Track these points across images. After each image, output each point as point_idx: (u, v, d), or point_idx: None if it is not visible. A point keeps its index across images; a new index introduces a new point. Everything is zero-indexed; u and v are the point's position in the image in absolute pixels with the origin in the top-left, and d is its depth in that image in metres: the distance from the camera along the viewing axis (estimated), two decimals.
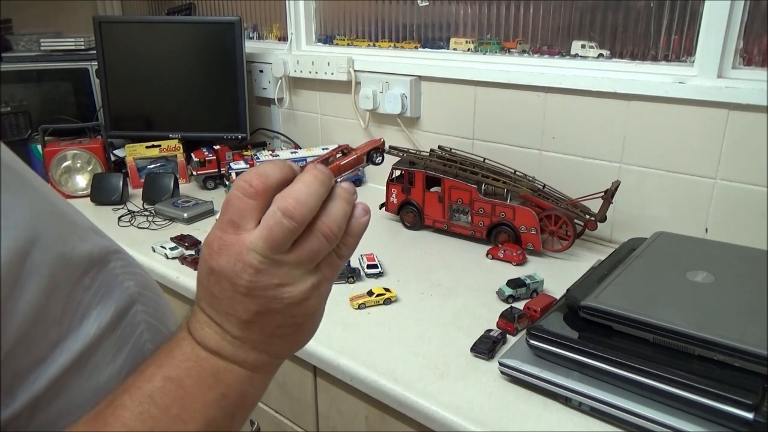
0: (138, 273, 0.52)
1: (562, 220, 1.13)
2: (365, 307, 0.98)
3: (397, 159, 1.34)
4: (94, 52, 1.73)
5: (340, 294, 1.02)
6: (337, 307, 0.99)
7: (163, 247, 1.20)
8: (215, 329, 0.41)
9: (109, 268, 0.49)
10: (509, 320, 0.90)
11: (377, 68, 1.53)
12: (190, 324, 0.42)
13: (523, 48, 1.37)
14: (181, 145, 1.68)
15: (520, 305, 0.95)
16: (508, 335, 0.89)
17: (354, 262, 1.12)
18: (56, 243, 0.43)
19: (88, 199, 1.52)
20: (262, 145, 1.81)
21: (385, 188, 1.34)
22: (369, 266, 1.09)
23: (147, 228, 1.36)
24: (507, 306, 0.95)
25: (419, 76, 1.46)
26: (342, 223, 0.42)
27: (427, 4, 1.52)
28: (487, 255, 1.17)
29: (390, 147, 1.38)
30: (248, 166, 1.55)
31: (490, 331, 0.89)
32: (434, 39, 1.53)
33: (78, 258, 0.45)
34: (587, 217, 1.14)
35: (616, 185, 1.14)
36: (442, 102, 1.45)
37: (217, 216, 1.37)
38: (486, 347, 0.84)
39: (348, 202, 0.43)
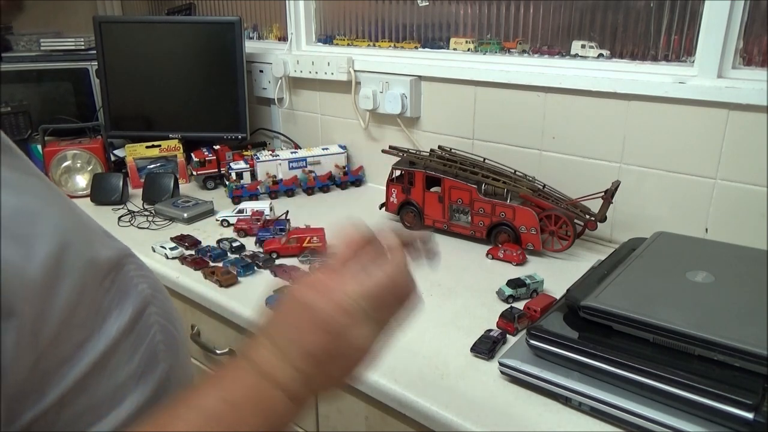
0: (149, 275, 0.54)
1: (562, 220, 1.13)
2: None
3: (397, 159, 1.34)
4: (94, 52, 1.73)
5: None
6: None
7: (163, 247, 1.20)
8: (280, 359, 0.45)
9: (125, 271, 0.50)
10: (509, 320, 0.90)
11: (377, 68, 1.53)
12: (250, 352, 0.45)
13: (523, 48, 1.37)
14: (181, 145, 1.68)
15: (520, 305, 0.95)
16: (508, 335, 0.89)
17: None
18: (84, 248, 0.45)
19: (88, 199, 1.52)
20: (262, 145, 1.81)
21: (385, 188, 1.34)
22: None
23: (147, 228, 1.36)
24: (507, 306, 0.95)
25: (419, 76, 1.46)
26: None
27: (427, 4, 1.52)
28: (487, 255, 1.17)
29: (390, 147, 1.38)
30: (248, 166, 1.55)
31: (490, 331, 0.89)
32: (434, 39, 1.53)
33: (101, 262, 0.47)
34: (587, 217, 1.15)
35: (616, 185, 1.14)
36: (442, 102, 1.45)
37: (218, 216, 1.38)
38: (486, 347, 0.84)
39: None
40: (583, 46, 1.26)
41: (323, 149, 1.63)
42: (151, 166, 1.67)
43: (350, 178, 1.62)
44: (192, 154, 1.63)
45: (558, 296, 0.94)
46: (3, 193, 0.39)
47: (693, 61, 1.12)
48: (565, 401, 0.74)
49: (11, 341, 0.36)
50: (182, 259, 1.17)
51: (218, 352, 1.10)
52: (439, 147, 1.39)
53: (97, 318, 0.46)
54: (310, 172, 1.58)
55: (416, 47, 1.55)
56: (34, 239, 0.40)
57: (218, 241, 1.24)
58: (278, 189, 1.55)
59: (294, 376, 0.45)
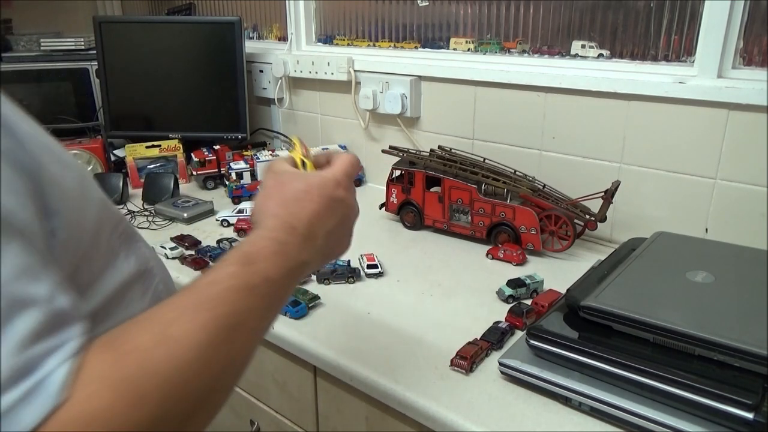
0: (148, 245, 0.62)
1: (562, 220, 1.13)
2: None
3: (397, 159, 1.34)
4: (94, 52, 1.73)
5: (340, 294, 1.02)
6: (337, 307, 0.99)
7: (163, 247, 1.20)
8: (310, 244, 0.55)
9: (130, 229, 0.58)
10: (518, 315, 0.91)
11: (377, 68, 1.53)
12: (283, 237, 0.53)
13: (523, 48, 1.37)
14: (181, 145, 1.68)
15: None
16: (516, 330, 0.90)
17: (354, 262, 1.12)
18: (96, 191, 0.52)
19: None
20: (262, 145, 1.81)
21: (385, 188, 1.34)
22: (369, 266, 1.09)
23: (147, 228, 1.36)
24: (506, 305, 0.96)
25: (419, 76, 1.46)
26: None
27: (427, 4, 1.52)
28: (487, 255, 1.17)
29: (390, 147, 1.38)
30: (248, 166, 1.55)
31: (498, 323, 0.90)
32: (434, 39, 1.53)
33: (112, 209, 0.54)
34: (587, 217, 1.14)
35: (616, 185, 1.14)
36: (442, 102, 1.45)
37: (218, 216, 1.37)
38: (495, 337, 0.86)
39: None
40: (583, 46, 1.26)
41: (323, 149, 1.63)
42: (151, 166, 1.67)
43: None
44: (192, 154, 1.63)
45: None
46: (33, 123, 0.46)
47: (693, 61, 1.12)
48: (565, 401, 0.74)
49: (61, 236, 0.42)
50: (182, 259, 1.17)
51: None
52: (439, 147, 1.39)
53: (110, 256, 0.51)
54: None
55: (416, 47, 1.55)
56: (65, 161, 0.47)
57: (218, 241, 1.24)
58: None
59: (303, 241, 0.54)
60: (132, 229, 0.59)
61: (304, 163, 0.65)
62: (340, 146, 1.65)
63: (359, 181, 1.63)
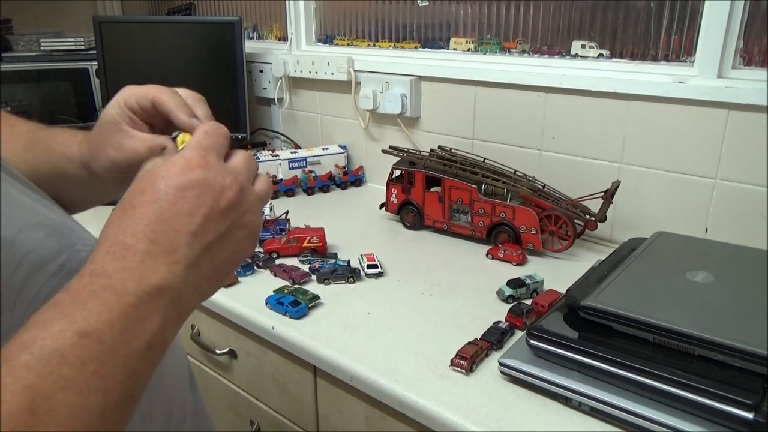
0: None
1: (562, 220, 1.13)
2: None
3: (397, 159, 1.34)
4: (94, 52, 1.73)
5: (340, 294, 1.03)
6: (337, 307, 0.99)
7: None
8: (165, 259, 0.38)
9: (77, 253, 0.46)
10: (518, 315, 0.91)
11: (377, 68, 1.53)
12: (110, 264, 0.37)
13: (523, 48, 1.37)
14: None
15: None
16: (516, 330, 0.90)
17: (354, 262, 1.12)
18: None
19: None
20: (262, 145, 1.80)
21: (385, 188, 1.34)
22: (369, 266, 1.09)
23: None
24: (506, 305, 0.96)
25: (419, 76, 1.46)
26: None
27: (427, 4, 1.52)
28: (487, 255, 1.17)
29: (390, 147, 1.38)
30: None
31: (498, 323, 0.90)
32: (434, 39, 1.53)
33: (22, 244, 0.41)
34: (587, 217, 1.14)
35: (616, 185, 1.14)
36: (442, 102, 1.45)
37: None
38: (495, 337, 0.86)
39: None
40: (583, 46, 1.26)
41: (323, 149, 1.63)
42: None
43: (350, 178, 1.62)
44: None
45: None
46: None
47: (693, 61, 1.12)
48: (565, 401, 0.74)
49: None
50: None
51: (218, 351, 1.10)
52: (439, 147, 1.39)
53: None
54: (310, 172, 1.58)
55: (416, 47, 1.55)
56: None
57: None
58: (278, 189, 1.55)
59: (181, 275, 0.39)
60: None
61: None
62: (340, 146, 1.65)
63: (360, 182, 1.64)
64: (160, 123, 0.52)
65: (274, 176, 1.57)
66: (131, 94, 0.50)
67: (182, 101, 0.50)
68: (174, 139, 0.48)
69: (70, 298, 0.35)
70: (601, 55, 1.25)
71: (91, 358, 0.34)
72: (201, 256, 0.40)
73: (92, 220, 0.59)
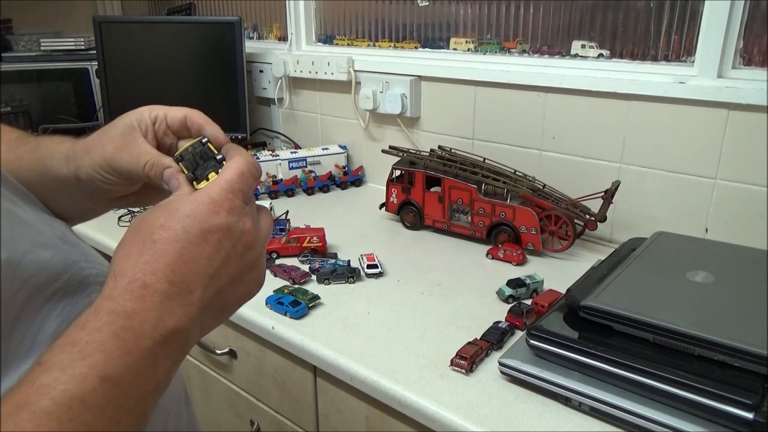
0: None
1: (562, 220, 1.13)
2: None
3: (397, 159, 1.34)
4: (94, 52, 1.73)
5: (340, 294, 1.03)
6: (337, 307, 0.99)
7: None
8: (181, 301, 0.39)
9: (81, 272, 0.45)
10: (518, 315, 0.91)
11: (377, 68, 1.53)
12: (129, 304, 0.37)
13: (523, 48, 1.37)
14: None
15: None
16: (516, 330, 0.90)
17: (354, 262, 1.12)
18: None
19: None
20: (262, 145, 1.81)
21: (385, 188, 1.34)
22: (369, 266, 1.09)
23: None
24: (506, 305, 0.96)
25: (419, 76, 1.46)
26: None
27: (427, 4, 1.52)
28: (487, 255, 1.17)
29: (390, 147, 1.38)
30: None
31: (498, 323, 0.90)
32: (434, 39, 1.53)
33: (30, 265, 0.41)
34: (587, 217, 1.14)
35: (616, 185, 1.14)
36: (442, 102, 1.45)
37: None
38: (495, 337, 0.86)
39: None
40: (583, 46, 1.26)
41: (323, 149, 1.63)
42: None
43: (350, 178, 1.62)
44: None
45: None
46: None
47: (693, 61, 1.12)
48: (565, 401, 0.74)
49: None
50: None
51: (218, 351, 1.10)
52: (439, 147, 1.39)
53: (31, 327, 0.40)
54: (310, 172, 1.58)
55: (416, 47, 1.55)
56: None
57: None
58: (278, 189, 1.55)
59: (193, 316, 0.39)
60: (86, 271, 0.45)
61: (197, 179, 0.45)
62: (340, 146, 1.65)
63: (359, 182, 1.64)
64: (167, 146, 0.51)
65: (274, 176, 1.57)
66: (161, 107, 0.51)
67: (212, 121, 0.51)
68: (177, 161, 0.47)
69: (89, 338, 0.35)
70: (601, 55, 1.25)
71: (110, 403, 0.34)
72: (213, 298, 0.41)
73: (96, 231, 0.58)
